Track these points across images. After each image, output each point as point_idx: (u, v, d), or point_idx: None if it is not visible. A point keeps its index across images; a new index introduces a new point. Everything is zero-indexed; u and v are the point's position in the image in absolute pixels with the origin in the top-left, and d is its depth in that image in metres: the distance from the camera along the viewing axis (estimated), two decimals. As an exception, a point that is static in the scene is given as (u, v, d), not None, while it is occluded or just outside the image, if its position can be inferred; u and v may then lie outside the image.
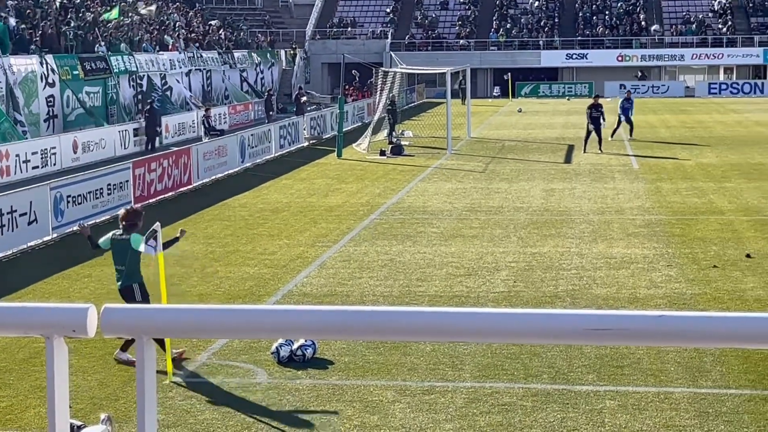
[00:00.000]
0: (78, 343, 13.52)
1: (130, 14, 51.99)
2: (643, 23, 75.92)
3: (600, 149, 36.64)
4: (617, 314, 2.31)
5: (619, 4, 78.11)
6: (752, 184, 28.32)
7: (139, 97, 46.23)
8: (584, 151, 36.67)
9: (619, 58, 74.07)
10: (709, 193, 26.89)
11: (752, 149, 37.25)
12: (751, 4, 76.44)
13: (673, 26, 76.13)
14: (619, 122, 40.55)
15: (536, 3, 79.08)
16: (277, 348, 13.21)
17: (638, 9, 77.48)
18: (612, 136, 39.74)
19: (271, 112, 50.25)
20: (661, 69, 75.90)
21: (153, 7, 54.10)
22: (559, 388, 12.04)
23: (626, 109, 40.73)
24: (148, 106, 41.11)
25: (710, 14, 76.79)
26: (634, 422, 10.97)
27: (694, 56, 73.67)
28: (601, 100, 38.96)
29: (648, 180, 29.65)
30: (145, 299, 13.39)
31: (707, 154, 36.13)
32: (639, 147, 37.86)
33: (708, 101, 66.37)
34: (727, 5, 76.46)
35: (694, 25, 75.08)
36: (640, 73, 73.92)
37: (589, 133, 37.00)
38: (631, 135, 40.74)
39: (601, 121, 36.72)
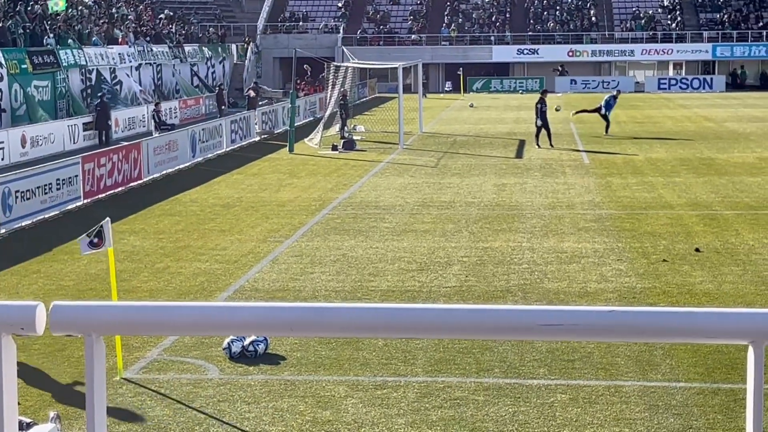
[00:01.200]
0: (26, 339, 13.39)
1: (79, 7, 51.48)
2: (593, 19, 76.41)
3: (551, 144, 36.81)
4: (568, 310, 2.32)
5: (569, 0, 78.56)
6: (701, 179, 28.61)
7: (89, 91, 45.82)
8: (538, 146, 36.74)
9: (570, 54, 74.51)
10: (659, 188, 27.13)
11: (701, 144, 37.62)
12: (699, 0, 77.18)
13: (623, 22, 76.69)
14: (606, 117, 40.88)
15: (488, -2, 79.36)
16: (228, 344, 13.17)
17: (589, 5, 77.97)
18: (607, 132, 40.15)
19: (222, 107, 50.04)
20: (612, 64, 76.45)
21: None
22: (510, 383, 12.09)
23: (610, 106, 41.04)
24: (99, 100, 40.80)
25: (660, 10, 77.46)
26: (585, 415, 11.05)
27: (644, 52, 74.29)
28: (550, 95, 39.12)
29: (598, 175, 29.86)
30: None
31: (657, 149, 36.44)
32: (589, 142, 38.12)
33: (658, 96, 66.95)
34: (676, 1, 77.15)
35: (643, 21, 75.68)
36: (560, 69, 74.19)
37: (539, 128, 37.11)
38: (607, 132, 40.90)
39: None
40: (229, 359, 13.07)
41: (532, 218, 22.98)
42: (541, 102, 36.97)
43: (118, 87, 48.20)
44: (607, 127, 41.08)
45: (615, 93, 42.60)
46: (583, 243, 20.08)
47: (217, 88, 53.35)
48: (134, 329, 2.53)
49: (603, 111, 40.96)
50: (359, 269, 18.01)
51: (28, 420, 10.47)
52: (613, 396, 11.64)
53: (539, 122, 36.87)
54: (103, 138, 39.11)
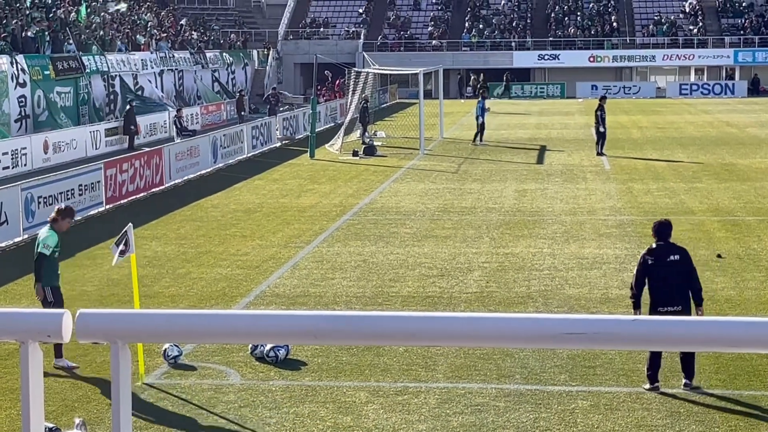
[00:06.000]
0: (49, 344, 13.44)
1: (101, 13, 51.71)
2: (614, 24, 76.25)
3: (600, 150, 36.14)
4: (592, 318, 2.32)
5: (590, 5, 78.42)
6: (723, 185, 28.50)
7: (111, 97, 46.04)
8: (601, 155, 35.72)
9: (591, 59, 74.35)
10: (680, 194, 27.04)
11: (723, 150, 37.47)
12: (721, 6, 76.93)
13: (645, 27, 76.51)
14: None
15: (508, 4, 79.32)
16: (252, 346, 13.32)
17: (610, 10, 77.82)
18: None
19: (243, 113, 50.14)
20: (633, 70, 76.24)
21: (123, 5, 53.80)
22: (531, 389, 12.08)
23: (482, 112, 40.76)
24: (128, 106, 41.02)
25: (681, 15, 77.20)
26: (606, 422, 11.03)
27: (666, 57, 74.04)
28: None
29: (620, 180, 29.78)
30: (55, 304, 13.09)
31: (678, 154, 36.32)
32: (611, 148, 38.02)
33: (679, 102, 66.73)
34: (698, 7, 76.92)
35: (665, 26, 75.48)
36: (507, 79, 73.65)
37: (600, 135, 36.10)
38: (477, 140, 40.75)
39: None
40: (251, 355, 13.23)
41: (553, 224, 22.94)
42: (600, 108, 36.12)
43: (140, 93, 48.36)
44: (477, 135, 40.70)
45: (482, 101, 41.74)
46: (604, 249, 20.04)
47: (238, 94, 53.46)
48: (159, 337, 2.55)
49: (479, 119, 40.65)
50: (380, 275, 18.02)
51: (52, 425, 10.53)
52: (634, 402, 11.61)
53: (601, 129, 36.19)
54: (130, 145, 39.30)
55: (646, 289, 12.03)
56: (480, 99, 41.64)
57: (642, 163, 33.87)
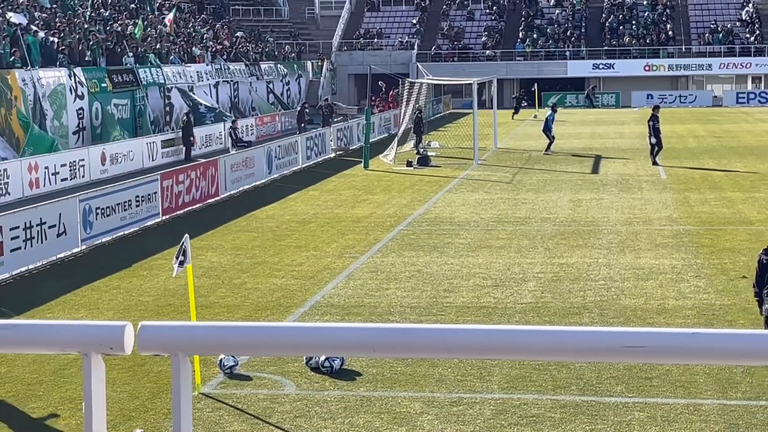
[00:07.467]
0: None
1: (157, 27, 52.23)
2: (670, 33, 75.69)
3: (654, 160, 35.93)
4: (651, 332, 2.31)
5: (646, 14, 77.91)
6: (781, 194, 28.16)
7: (167, 109, 46.48)
8: (655, 164, 35.50)
9: (647, 68, 73.86)
10: (738, 203, 26.76)
11: (781, 159, 37.03)
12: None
13: (701, 35, 75.87)
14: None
15: (563, 13, 79.01)
16: (307, 357, 13.37)
17: (665, 19, 77.25)
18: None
19: (302, 124, 50.24)
20: (689, 78, 75.62)
21: (170, 16, 54.19)
22: (587, 400, 12.00)
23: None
24: (185, 117, 41.44)
25: (738, 23, 76.47)
26: (663, 434, 10.93)
27: (722, 65, 73.36)
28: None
29: (676, 190, 29.54)
30: None
31: (735, 163, 35.96)
32: (667, 157, 37.71)
33: (736, 111, 66.07)
34: (754, 14, 76.13)
35: (721, 34, 74.79)
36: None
37: (653, 146, 35.88)
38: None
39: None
40: (306, 365, 13.30)
41: (609, 234, 22.80)
42: (654, 118, 35.83)
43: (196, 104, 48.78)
44: (549, 145, 41.11)
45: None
46: (660, 259, 19.88)
47: (300, 106, 53.62)
48: (219, 349, 2.57)
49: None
50: (434, 285, 18.01)
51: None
52: (692, 414, 11.50)
53: (653, 139, 35.80)
54: (187, 156, 39.66)
55: None
56: (551, 111, 41.78)
57: (699, 173, 33.57)
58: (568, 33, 77.19)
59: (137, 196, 24.60)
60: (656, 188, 30.15)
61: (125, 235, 23.78)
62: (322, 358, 13.21)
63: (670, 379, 12.64)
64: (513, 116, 62.07)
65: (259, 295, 17.59)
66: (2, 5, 40.93)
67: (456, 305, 16.60)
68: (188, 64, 50.45)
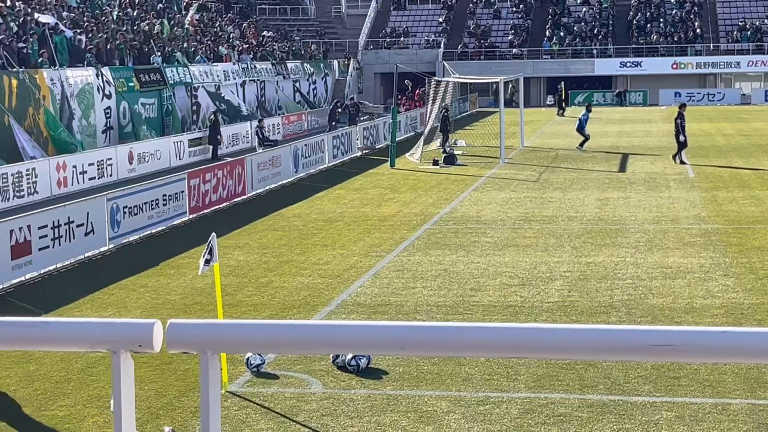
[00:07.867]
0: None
1: (184, 26, 52.41)
2: (698, 30, 75.29)
3: (675, 158, 35.75)
4: (680, 330, 2.30)
5: (673, 12, 77.53)
6: (810, 193, 27.97)
7: (194, 108, 46.64)
8: (682, 163, 35.26)
9: (674, 66, 73.50)
10: (767, 202, 26.59)
11: (810, 157, 36.78)
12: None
13: (729, 33, 75.43)
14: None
15: (590, 11, 78.74)
16: (334, 355, 13.38)
17: (693, 16, 76.85)
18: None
19: (333, 122, 50.23)
20: (717, 76, 75.19)
21: (192, 11, 54.28)
22: (615, 399, 11.96)
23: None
24: (213, 116, 41.56)
25: (766, 20, 75.97)
26: (691, 434, 10.88)
27: (751, 63, 72.90)
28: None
29: (704, 189, 29.39)
30: None
31: (764, 162, 35.73)
32: (695, 156, 37.51)
33: (765, 108, 65.65)
34: (783, 11, 75.65)
35: (749, 32, 74.33)
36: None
37: (681, 144, 35.61)
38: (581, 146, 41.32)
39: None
40: (333, 363, 13.29)
41: (636, 233, 22.71)
42: (680, 116, 35.62)
43: (225, 105, 48.95)
44: (583, 142, 41.39)
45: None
46: (688, 258, 19.78)
47: (333, 104, 53.61)
48: (247, 347, 2.58)
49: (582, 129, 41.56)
50: (461, 284, 18.00)
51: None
52: (720, 414, 11.45)
53: (681, 138, 35.57)
54: (214, 155, 39.80)
55: None
56: (585, 111, 42.17)
57: (727, 171, 33.39)
58: (595, 31, 76.90)
59: (164, 195, 24.69)
60: (684, 187, 30.00)
61: (152, 233, 23.88)
62: (349, 356, 13.22)
63: (698, 379, 12.58)
64: (562, 113, 62.79)
65: (286, 294, 17.62)
66: (31, 5, 41.17)
67: (483, 304, 16.58)
68: (215, 64, 50.59)
